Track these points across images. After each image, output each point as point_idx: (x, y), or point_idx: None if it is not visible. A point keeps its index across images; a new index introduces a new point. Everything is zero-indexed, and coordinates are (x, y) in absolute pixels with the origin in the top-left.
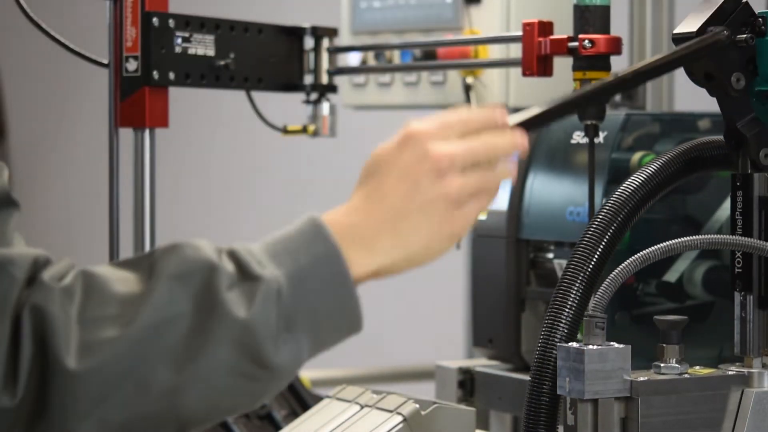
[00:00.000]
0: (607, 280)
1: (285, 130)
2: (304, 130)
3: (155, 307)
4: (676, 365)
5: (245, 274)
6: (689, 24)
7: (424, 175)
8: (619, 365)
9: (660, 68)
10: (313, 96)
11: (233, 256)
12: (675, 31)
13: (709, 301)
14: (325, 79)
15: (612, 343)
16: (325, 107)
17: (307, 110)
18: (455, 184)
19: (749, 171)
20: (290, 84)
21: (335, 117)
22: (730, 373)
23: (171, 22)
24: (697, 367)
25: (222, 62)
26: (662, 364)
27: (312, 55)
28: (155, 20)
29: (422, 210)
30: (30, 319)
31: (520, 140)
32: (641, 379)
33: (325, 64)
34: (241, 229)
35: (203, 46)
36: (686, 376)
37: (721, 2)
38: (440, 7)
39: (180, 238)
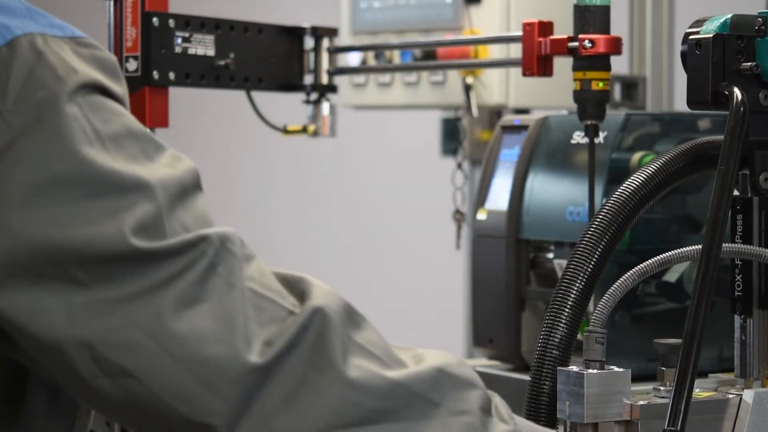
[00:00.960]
0: (607, 295)
1: (285, 130)
2: (304, 130)
3: (420, 379)
4: None
5: (499, 413)
6: (698, 90)
7: None
8: (619, 389)
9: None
10: (313, 96)
11: (489, 393)
12: (688, 99)
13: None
14: (325, 79)
15: (612, 366)
16: (325, 107)
17: (307, 110)
18: None
19: (749, 194)
20: (290, 84)
21: (335, 117)
22: (730, 396)
23: (171, 22)
24: (697, 390)
25: (222, 62)
26: (662, 388)
27: (312, 55)
28: (155, 20)
29: None
30: (312, 312)
31: None
32: (641, 402)
33: (325, 64)
34: (240, 229)
35: (203, 46)
36: None
37: (710, 59)
38: (440, 7)
39: None
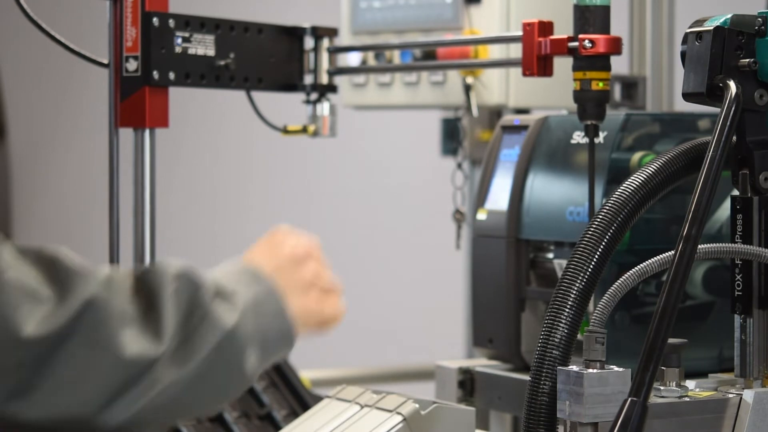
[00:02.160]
0: (607, 295)
1: (285, 130)
2: (304, 130)
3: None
4: (676, 388)
5: (221, 292)
6: (694, 81)
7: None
8: (619, 388)
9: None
10: (313, 96)
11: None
12: (684, 91)
13: (709, 301)
14: (325, 79)
15: (612, 366)
16: (325, 107)
17: (307, 110)
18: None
19: (749, 194)
20: (290, 84)
21: (335, 117)
22: (730, 396)
23: (171, 22)
24: (697, 390)
25: (222, 62)
26: (662, 387)
27: (312, 55)
28: (155, 20)
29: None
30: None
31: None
32: None
33: (325, 64)
34: (239, 229)
35: (203, 46)
36: (686, 399)
37: (709, 50)
38: (440, 7)
39: (181, 238)
